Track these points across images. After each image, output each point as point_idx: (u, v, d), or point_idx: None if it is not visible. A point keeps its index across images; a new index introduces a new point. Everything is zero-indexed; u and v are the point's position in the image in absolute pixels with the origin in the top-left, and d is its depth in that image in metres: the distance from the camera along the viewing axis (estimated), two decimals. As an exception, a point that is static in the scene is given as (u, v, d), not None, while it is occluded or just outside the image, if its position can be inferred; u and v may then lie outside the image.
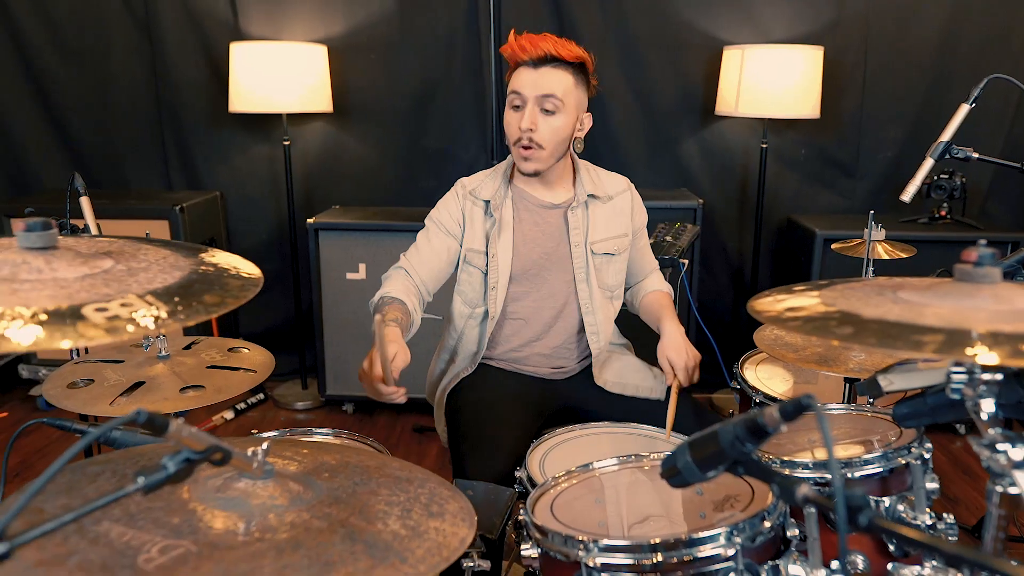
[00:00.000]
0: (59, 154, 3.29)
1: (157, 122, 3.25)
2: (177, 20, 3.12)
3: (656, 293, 1.86)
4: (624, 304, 1.90)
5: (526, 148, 1.61)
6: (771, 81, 2.81)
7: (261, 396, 3.26)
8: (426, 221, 1.76)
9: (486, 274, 1.71)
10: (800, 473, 1.09)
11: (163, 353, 1.49)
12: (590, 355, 1.82)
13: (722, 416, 3.12)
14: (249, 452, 0.90)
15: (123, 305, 0.77)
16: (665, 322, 1.71)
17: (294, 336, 3.29)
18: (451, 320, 1.80)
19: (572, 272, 1.73)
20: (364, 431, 3.02)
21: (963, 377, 0.80)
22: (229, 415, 3.17)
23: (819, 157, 3.21)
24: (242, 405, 3.23)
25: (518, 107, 1.61)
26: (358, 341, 2.99)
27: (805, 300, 0.92)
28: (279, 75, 2.85)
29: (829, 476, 1.06)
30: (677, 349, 1.65)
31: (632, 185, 1.84)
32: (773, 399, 1.81)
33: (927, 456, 1.09)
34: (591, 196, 1.74)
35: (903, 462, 1.07)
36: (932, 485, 1.05)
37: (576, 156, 1.78)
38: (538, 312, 1.75)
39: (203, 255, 1.03)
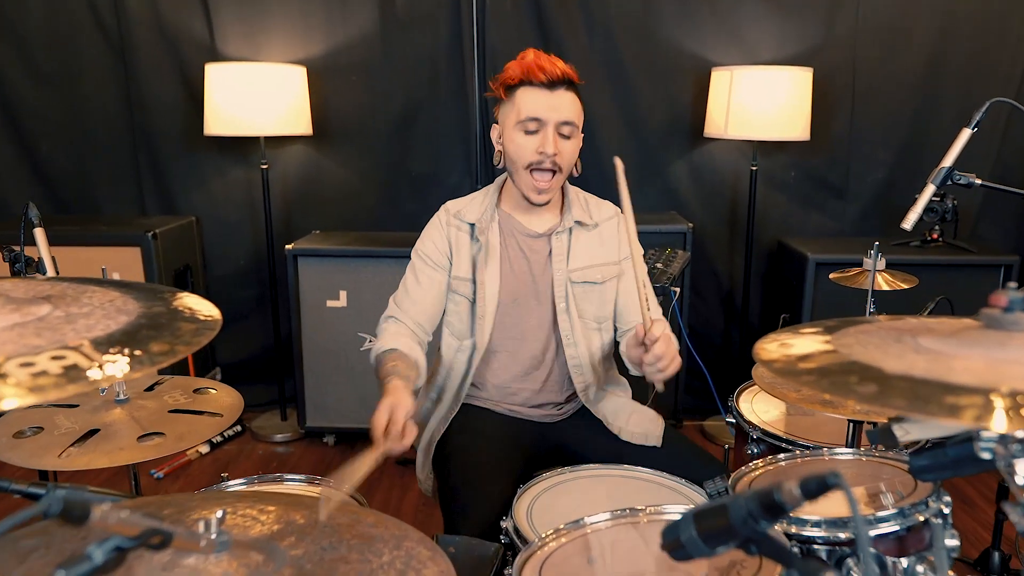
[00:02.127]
0: (29, 180, 3.18)
1: (131, 146, 3.15)
2: (151, 40, 3.04)
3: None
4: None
5: (549, 173, 1.54)
6: (760, 103, 2.76)
7: (239, 428, 3.16)
8: (412, 255, 1.67)
9: (473, 303, 1.63)
10: (810, 531, 1.00)
11: (121, 396, 1.38)
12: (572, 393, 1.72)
13: (718, 443, 3.04)
14: (201, 524, 0.80)
15: (53, 358, 0.68)
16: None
17: (273, 366, 3.18)
18: (439, 356, 1.71)
19: (553, 301, 1.64)
20: (346, 464, 2.91)
21: (994, 435, 0.72)
22: (205, 449, 3.06)
23: (809, 179, 3.16)
24: (218, 438, 3.12)
25: (532, 131, 1.53)
26: (339, 371, 2.89)
27: (814, 345, 0.84)
28: (256, 97, 2.77)
29: (843, 536, 0.98)
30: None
31: (620, 213, 1.76)
32: (770, 434, 1.72)
33: (947, 511, 1.01)
34: (577, 223, 1.66)
35: (921, 519, 0.99)
36: (953, 543, 0.97)
37: (566, 181, 1.71)
38: (525, 344, 1.66)
39: (159, 295, 0.94)
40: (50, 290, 0.91)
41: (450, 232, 1.64)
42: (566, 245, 1.65)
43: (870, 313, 1.55)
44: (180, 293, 0.96)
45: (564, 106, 1.53)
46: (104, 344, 0.72)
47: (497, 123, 1.63)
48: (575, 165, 1.63)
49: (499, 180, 1.70)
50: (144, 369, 0.71)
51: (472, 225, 1.64)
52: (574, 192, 1.70)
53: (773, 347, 0.84)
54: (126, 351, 0.69)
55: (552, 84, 1.51)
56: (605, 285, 1.68)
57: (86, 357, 0.69)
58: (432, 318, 1.64)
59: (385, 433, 1.28)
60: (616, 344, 1.74)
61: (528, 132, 1.53)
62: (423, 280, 1.63)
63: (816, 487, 0.57)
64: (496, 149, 1.63)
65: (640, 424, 1.63)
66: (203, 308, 0.92)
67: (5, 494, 1.03)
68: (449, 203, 1.70)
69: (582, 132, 1.62)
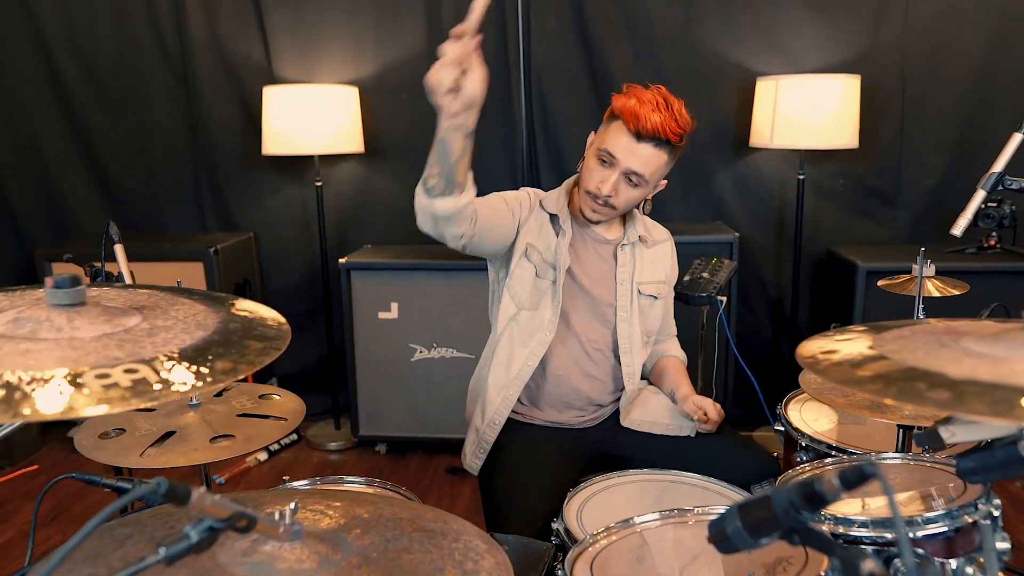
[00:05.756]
0: (99, 200, 3.36)
1: (193, 166, 3.31)
2: (213, 67, 3.20)
3: (673, 359, 1.86)
4: None
5: (600, 205, 1.61)
6: (807, 111, 2.76)
7: (294, 437, 3.27)
8: (496, 193, 1.67)
9: (536, 276, 1.65)
10: (857, 531, 1.01)
11: (194, 401, 1.47)
12: (618, 397, 1.77)
13: (768, 452, 3.01)
14: (276, 514, 0.87)
15: (126, 371, 0.75)
16: (682, 388, 1.71)
17: (327, 376, 3.28)
18: (495, 328, 1.73)
19: (615, 309, 1.71)
20: (397, 472, 2.99)
21: (1039, 434, 0.73)
22: (263, 456, 3.17)
23: (858, 187, 3.13)
24: (276, 446, 3.24)
25: (605, 162, 1.58)
26: (391, 381, 2.97)
27: (857, 349, 0.86)
28: (311, 117, 2.89)
29: (889, 536, 0.99)
30: (700, 396, 1.66)
31: (672, 238, 1.86)
32: (818, 442, 1.72)
33: (996, 513, 1.01)
34: (640, 238, 1.75)
35: (970, 520, 1.00)
36: (1003, 545, 0.97)
37: None
38: (583, 339, 1.70)
39: (234, 309, 1.01)
40: (146, 300, 0.98)
41: (535, 206, 1.69)
42: (631, 257, 1.73)
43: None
44: (249, 303, 1.03)
45: (641, 158, 1.55)
46: (174, 360, 0.79)
47: (595, 132, 1.68)
48: (643, 203, 1.71)
49: (569, 181, 1.75)
50: (206, 387, 0.77)
51: (553, 216, 1.69)
52: (636, 212, 1.78)
53: (815, 352, 0.87)
54: (192, 368, 0.76)
55: (639, 136, 1.54)
56: (660, 301, 1.78)
57: (155, 372, 0.75)
58: (487, 220, 1.53)
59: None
60: None
61: (601, 162, 1.59)
62: (498, 204, 1.62)
63: (854, 477, 0.60)
64: (584, 154, 1.67)
65: (672, 417, 1.70)
66: (274, 322, 0.99)
67: (96, 488, 1.12)
68: (529, 188, 1.74)
69: (665, 179, 1.66)
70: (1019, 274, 2.74)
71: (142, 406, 0.72)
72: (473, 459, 1.70)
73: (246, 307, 1.01)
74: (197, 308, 0.99)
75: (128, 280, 1.57)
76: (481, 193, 1.69)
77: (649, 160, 1.56)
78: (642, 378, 1.84)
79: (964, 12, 2.94)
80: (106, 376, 0.72)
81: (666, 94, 1.57)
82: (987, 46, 2.96)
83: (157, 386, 0.73)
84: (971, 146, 3.01)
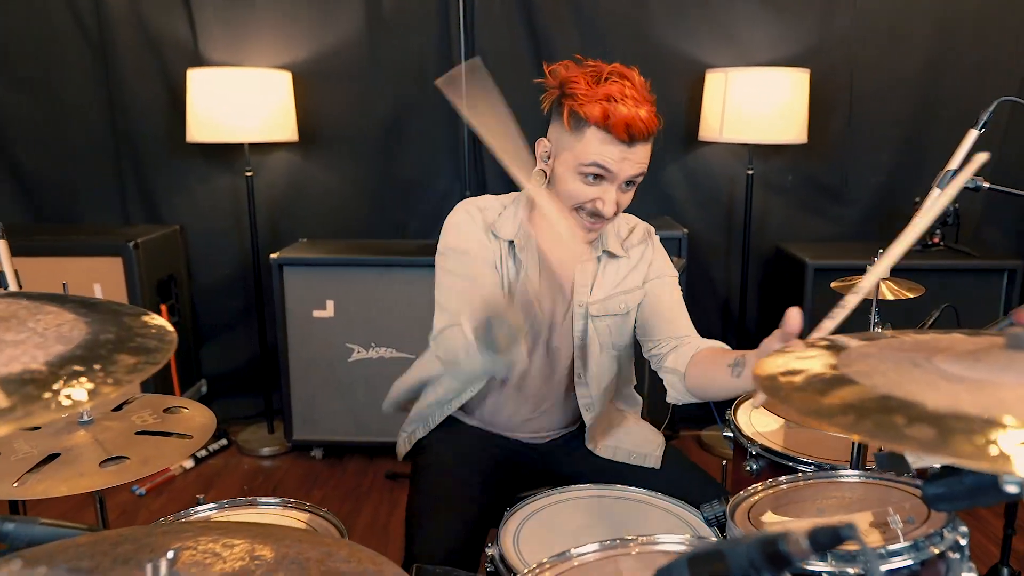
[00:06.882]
0: (9, 188, 3.10)
1: (114, 153, 3.08)
2: (134, 45, 2.97)
3: (707, 349, 1.49)
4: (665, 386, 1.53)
5: (596, 220, 1.38)
6: (756, 105, 2.70)
7: (224, 442, 3.08)
8: (451, 257, 1.42)
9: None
10: (817, 566, 0.93)
11: (85, 418, 1.31)
12: (580, 422, 1.59)
13: (715, 455, 2.97)
14: (150, 567, 0.73)
15: None
16: (746, 353, 1.35)
17: (259, 378, 3.10)
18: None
19: (572, 335, 1.49)
20: (334, 478, 2.84)
21: None
22: (189, 463, 2.97)
23: (807, 183, 3.10)
24: (203, 452, 3.04)
25: (596, 177, 1.33)
26: (327, 382, 2.82)
27: (816, 366, 0.77)
28: (240, 103, 2.70)
29: (852, 571, 0.91)
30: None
31: (652, 231, 1.61)
32: (770, 450, 1.65)
33: (963, 543, 0.94)
34: (607, 253, 1.49)
35: (936, 551, 0.92)
36: (971, 576, 0.90)
37: None
38: (534, 377, 1.51)
39: (125, 319, 0.86)
40: (3, 311, 0.83)
41: (486, 233, 1.44)
42: (592, 275, 1.49)
43: (874, 324, 1.48)
44: (146, 317, 0.87)
45: (637, 161, 1.32)
46: (14, 384, 0.64)
47: (547, 138, 1.40)
48: None
49: (527, 192, 1.46)
50: (48, 416, 0.63)
51: (511, 243, 1.43)
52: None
53: (778, 375, 0.77)
54: (35, 394, 0.62)
55: (632, 140, 1.30)
56: (628, 315, 1.52)
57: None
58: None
59: None
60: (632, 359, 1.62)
61: (589, 176, 1.33)
62: (478, 275, 1.39)
63: (828, 540, 0.50)
64: (538, 167, 1.39)
65: (637, 444, 1.56)
66: (161, 332, 0.84)
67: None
68: (470, 206, 1.46)
69: None
70: (962, 272, 2.75)
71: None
72: (404, 446, 1.60)
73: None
74: (65, 318, 0.84)
75: (11, 279, 1.39)
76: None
77: (644, 158, 1.34)
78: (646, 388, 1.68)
79: (912, 7, 2.93)
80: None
81: (623, 71, 1.35)
82: (935, 42, 2.95)
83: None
84: (918, 143, 3.01)
